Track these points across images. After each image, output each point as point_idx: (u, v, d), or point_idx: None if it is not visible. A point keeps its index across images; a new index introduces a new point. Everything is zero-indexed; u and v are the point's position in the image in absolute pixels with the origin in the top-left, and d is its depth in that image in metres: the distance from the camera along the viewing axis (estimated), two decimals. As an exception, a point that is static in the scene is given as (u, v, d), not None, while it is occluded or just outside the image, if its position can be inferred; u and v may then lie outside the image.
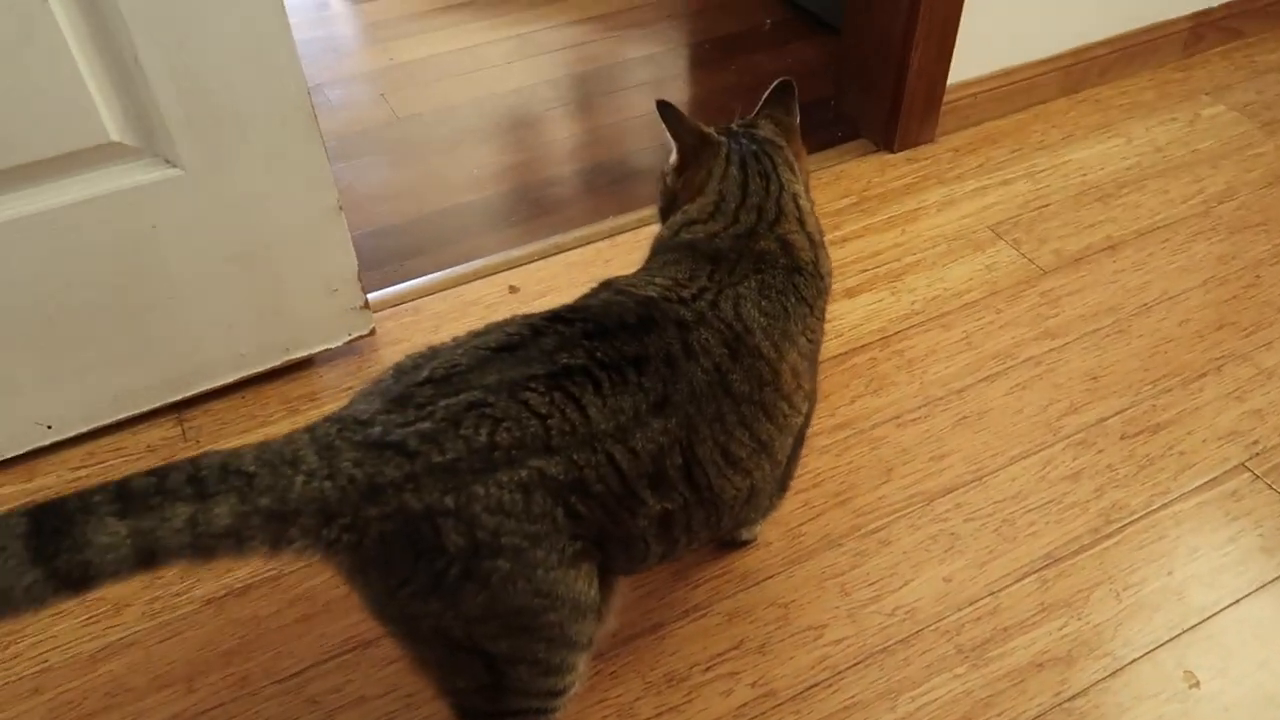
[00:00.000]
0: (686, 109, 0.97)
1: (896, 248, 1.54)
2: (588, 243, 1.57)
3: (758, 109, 1.03)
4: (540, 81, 2.01)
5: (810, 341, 0.90)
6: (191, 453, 0.67)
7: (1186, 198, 1.62)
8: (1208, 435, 1.24)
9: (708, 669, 1.03)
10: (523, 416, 0.71)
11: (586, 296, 0.86)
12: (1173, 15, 1.88)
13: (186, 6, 0.99)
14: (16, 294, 1.10)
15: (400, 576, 0.70)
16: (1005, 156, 1.72)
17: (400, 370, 0.76)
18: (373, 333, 1.38)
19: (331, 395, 1.32)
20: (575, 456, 0.72)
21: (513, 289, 1.49)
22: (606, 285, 0.87)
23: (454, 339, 0.79)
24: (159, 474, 0.64)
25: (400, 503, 0.68)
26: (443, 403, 0.71)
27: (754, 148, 0.95)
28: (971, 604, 1.07)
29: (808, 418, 0.93)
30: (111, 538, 0.61)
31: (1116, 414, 1.27)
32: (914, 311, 1.43)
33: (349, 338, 1.35)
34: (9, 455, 1.21)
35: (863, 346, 1.38)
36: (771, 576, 1.10)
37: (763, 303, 0.86)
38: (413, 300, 1.47)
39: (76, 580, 0.61)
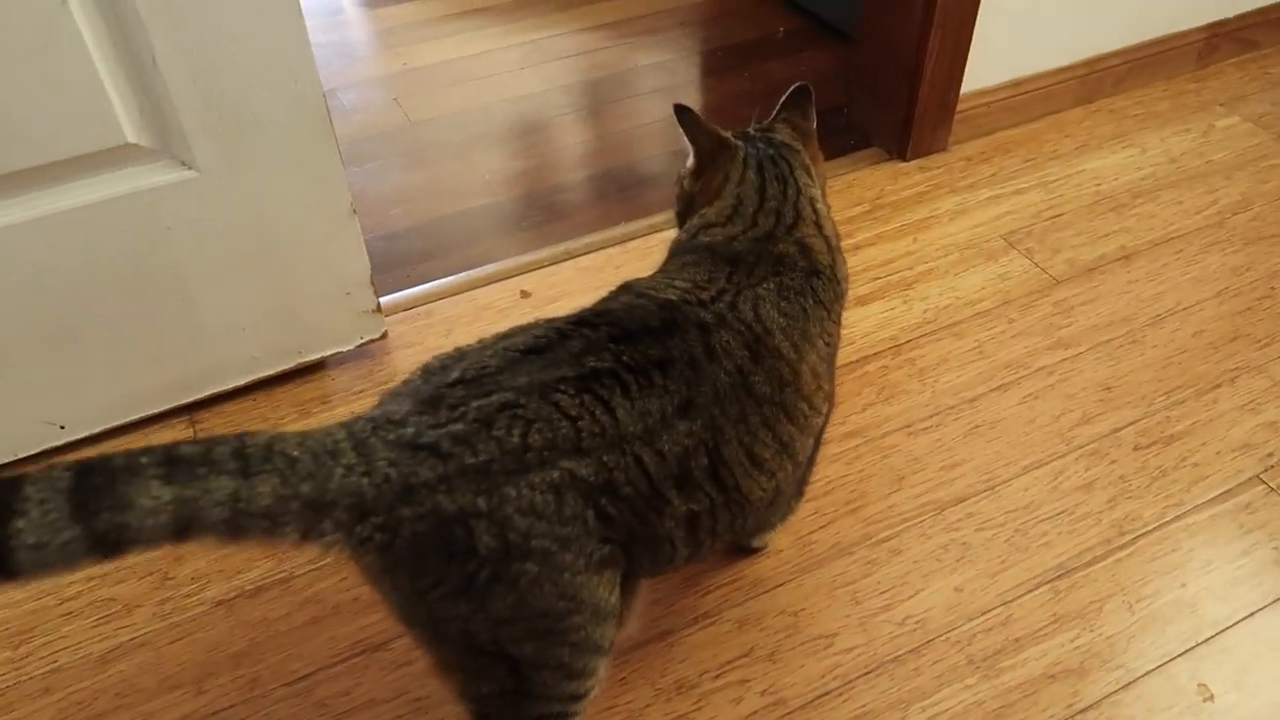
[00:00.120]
0: (697, 115, 0.97)
1: (908, 256, 1.54)
2: (599, 248, 1.57)
3: (775, 113, 1.03)
4: (553, 87, 2.02)
5: (827, 345, 0.90)
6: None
7: (1201, 209, 1.62)
8: (1222, 447, 1.24)
9: (717, 676, 1.02)
10: (554, 418, 0.71)
11: (607, 299, 0.87)
12: (1187, 26, 1.88)
13: (205, 9, 1.00)
14: (31, 294, 1.10)
15: (431, 579, 0.70)
16: (1019, 166, 1.72)
17: (428, 371, 0.77)
18: (384, 336, 1.38)
19: (343, 398, 1.32)
20: (605, 458, 0.72)
21: (524, 294, 1.49)
22: (626, 288, 0.87)
23: (479, 341, 0.79)
24: (206, 444, 0.64)
25: (434, 504, 0.68)
26: (475, 404, 0.71)
27: (771, 152, 0.96)
28: (983, 614, 1.07)
29: (826, 418, 0.93)
30: (154, 502, 0.61)
31: (1130, 425, 1.27)
32: (926, 320, 1.43)
33: (361, 341, 1.36)
34: (22, 454, 1.22)
35: (874, 354, 1.38)
36: (782, 584, 1.10)
37: (782, 304, 0.86)
38: (425, 304, 1.47)
39: (111, 543, 0.60)
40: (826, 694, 1.01)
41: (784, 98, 1.03)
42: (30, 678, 1.03)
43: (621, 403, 0.74)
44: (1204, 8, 1.88)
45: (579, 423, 0.72)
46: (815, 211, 0.95)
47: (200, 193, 1.12)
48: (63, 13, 0.95)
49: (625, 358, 0.76)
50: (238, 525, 0.64)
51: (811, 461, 0.98)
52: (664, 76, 2.05)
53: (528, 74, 2.06)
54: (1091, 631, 1.05)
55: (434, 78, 2.06)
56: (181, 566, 1.13)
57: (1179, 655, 1.03)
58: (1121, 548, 1.13)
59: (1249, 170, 1.69)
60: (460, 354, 0.78)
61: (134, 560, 1.13)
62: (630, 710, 1.00)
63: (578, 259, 1.55)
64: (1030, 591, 1.09)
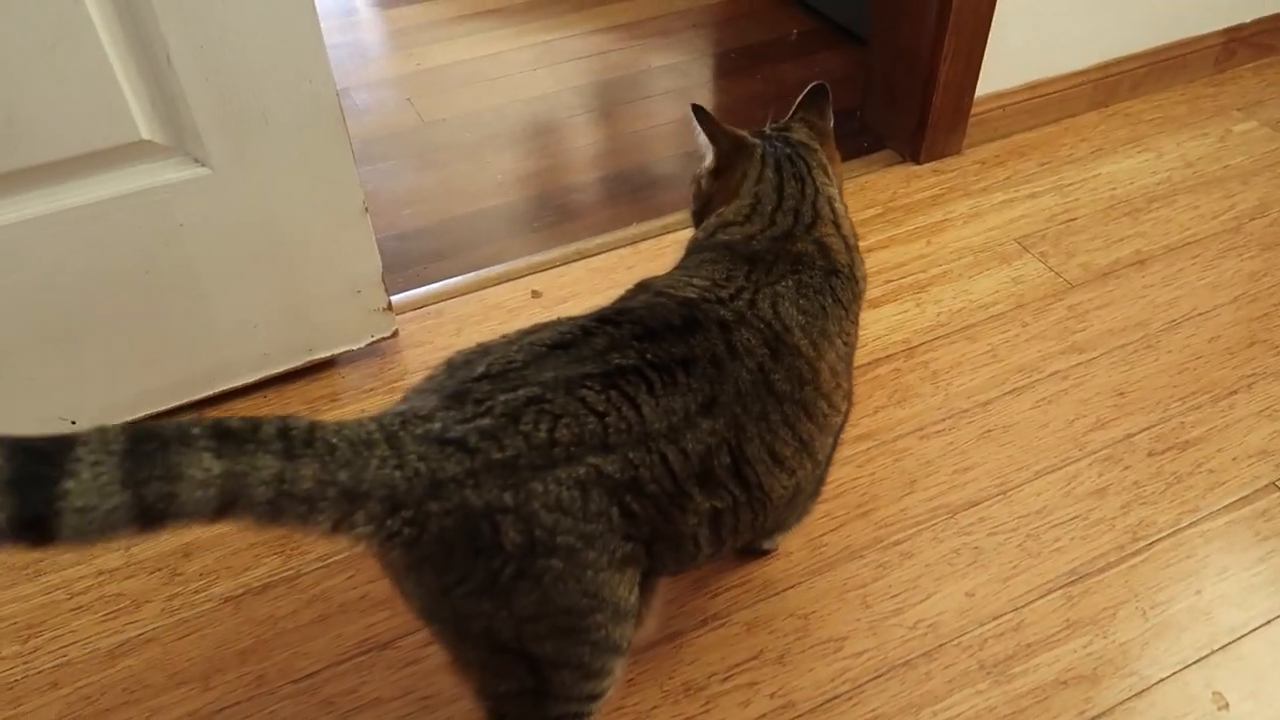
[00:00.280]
0: (713, 116, 0.97)
1: (922, 259, 1.53)
2: (611, 249, 1.57)
3: (791, 113, 1.03)
4: (565, 88, 2.02)
5: (846, 344, 0.90)
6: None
7: (1217, 214, 1.60)
8: (1238, 453, 1.22)
9: (726, 679, 1.02)
10: (581, 413, 0.71)
11: (625, 298, 0.87)
12: (1205, 30, 1.86)
13: (220, 7, 1.00)
14: (44, 290, 1.10)
15: (456, 575, 0.70)
16: (1033, 169, 1.71)
17: (453, 366, 0.76)
18: (395, 335, 1.38)
19: (353, 396, 1.32)
20: (631, 455, 0.72)
21: (535, 294, 1.49)
22: (644, 287, 0.87)
23: (503, 336, 0.79)
24: (252, 422, 0.63)
25: (461, 499, 0.67)
26: (501, 398, 0.71)
27: (788, 151, 0.95)
28: (995, 619, 1.06)
29: (845, 417, 0.93)
30: (204, 475, 0.60)
31: (1144, 430, 1.26)
32: (939, 323, 1.42)
33: (371, 339, 1.36)
34: (33, 450, 1.22)
35: (887, 357, 1.37)
36: (792, 587, 1.09)
37: (801, 302, 0.86)
38: (435, 303, 1.47)
39: (156, 515, 0.59)
40: (836, 698, 1.00)
41: (801, 97, 1.03)
42: (39, 671, 1.03)
43: (647, 400, 0.74)
44: (1221, 12, 1.86)
45: (606, 419, 0.72)
46: (833, 210, 0.94)
47: (213, 190, 1.12)
48: (77, 8, 0.95)
49: (649, 355, 0.76)
50: (278, 507, 0.63)
51: (829, 461, 0.98)
52: (676, 78, 2.05)
53: (540, 75, 2.06)
54: (1105, 638, 1.04)
55: (447, 78, 2.06)
56: (190, 563, 1.13)
57: (1193, 663, 1.02)
58: (1136, 553, 1.12)
59: (1266, 175, 1.68)
60: (485, 349, 0.77)
61: (143, 555, 1.13)
62: (638, 711, 0.99)
63: (589, 259, 1.55)
64: (1043, 597, 1.08)
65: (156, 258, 1.14)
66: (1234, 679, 1.01)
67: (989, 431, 1.26)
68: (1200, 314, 1.42)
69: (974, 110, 1.70)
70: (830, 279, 0.89)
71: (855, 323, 0.93)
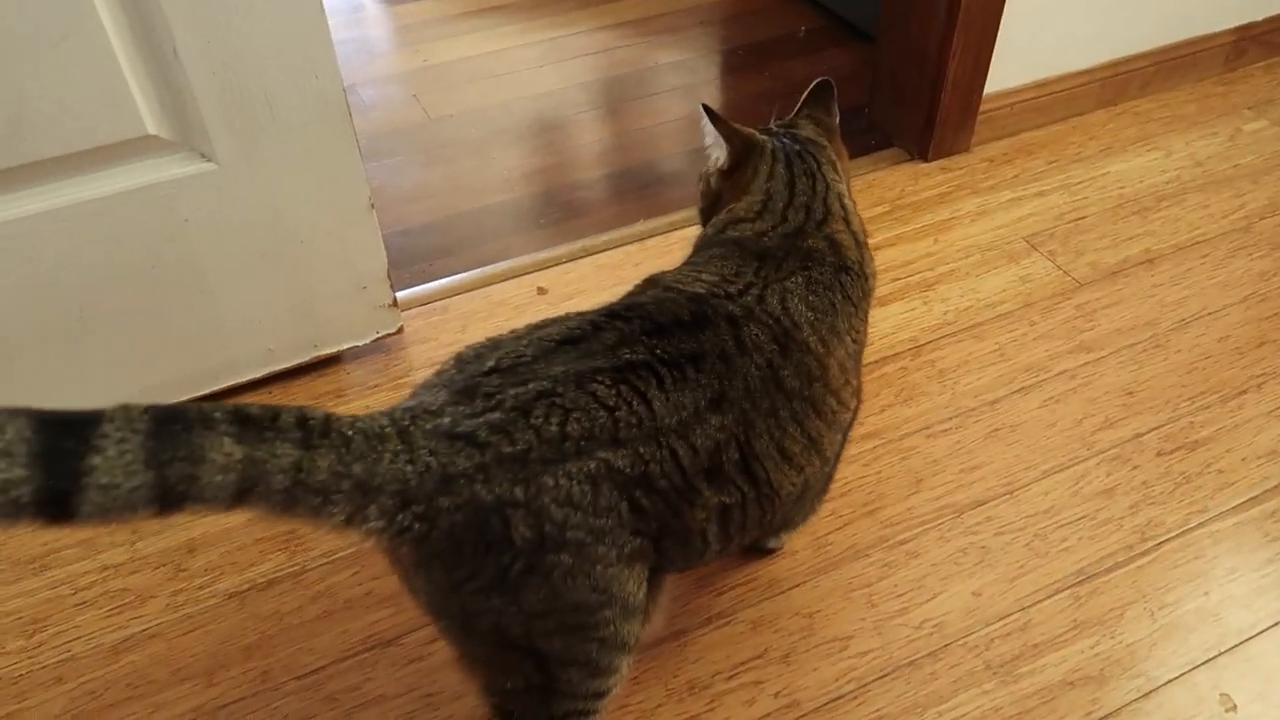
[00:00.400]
0: (720, 114, 0.96)
1: (929, 257, 1.52)
2: (617, 245, 1.56)
3: (797, 109, 1.03)
4: (571, 85, 2.01)
5: (855, 341, 0.90)
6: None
7: (1227, 213, 1.59)
8: (1247, 454, 1.22)
9: (730, 678, 1.01)
10: (591, 408, 0.71)
11: (634, 293, 0.86)
12: (1215, 29, 1.85)
13: (227, 1, 1.00)
14: (51, 284, 1.10)
15: (466, 571, 0.69)
16: (1041, 168, 1.70)
17: (462, 360, 0.76)
18: (400, 331, 1.38)
19: (358, 392, 1.32)
20: (641, 450, 0.72)
21: (541, 290, 1.48)
22: (652, 282, 0.87)
23: (512, 331, 0.79)
24: (272, 410, 0.63)
25: (471, 493, 0.67)
26: (512, 392, 0.70)
27: (797, 147, 0.95)
28: (1001, 619, 1.05)
29: (854, 414, 0.93)
30: (225, 459, 0.60)
31: (1152, 430, 1.25)
32: (946, 322, 1.41)
33: (377, 335, 1.36)
34: (38, 445, 1.22)
35: (894, 355, 1.36)
36: (797, 585, 1.09)
37: (810, 298, 0.85)
38: (441, 300, 1.47)
39: (175, 497, 0.59)
40: (841, 697, 0.99)
41: (807, 93, 1.02)
42: (43, 666, 1.03)
43: (657, 395, 0.73)
44: (1232, 11, 1.85)
45: (616, 413, 0.71)
46: (844, 207, 0.94)
47: (219, 185, 1.12)
48: (84, 2, 0.95)
49: (659, 351, 0.75)
50: (293, 497, 0.63)
51: (838, 458, 0.98)
52: (683, 75, 2.04)
53: (547, 71, 2.05)
54: (1112, 638, 1.04)
55: (453, 74, 2.06)
56: (194, 558, 1.13)
57: (1201, 664, 1.02)
58: (1144, 554, 1.11)
59: (1277, 175, 1.67)
60: (494, 343, 0.77)
61: (148, 551, 1.13)
62: (642, 710, 0.99)
63: (595, 256, 1.55)
64: (1050, 597, 1.07)
65: (162, 253, 1.14)
66: (1242, 680, 1.00)
67: (996, 430, 1.25)
68: (1209, 313, 1.41)
69: (982, 108, 1.69)
70: (840, 275, 0.89)
71: (865, 320, 0.93)
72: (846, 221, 0.93)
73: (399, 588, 0.78)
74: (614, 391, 0.72)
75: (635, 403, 0.72)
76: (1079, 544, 1.12)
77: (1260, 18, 1.88)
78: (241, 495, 0.61)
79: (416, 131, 1.89)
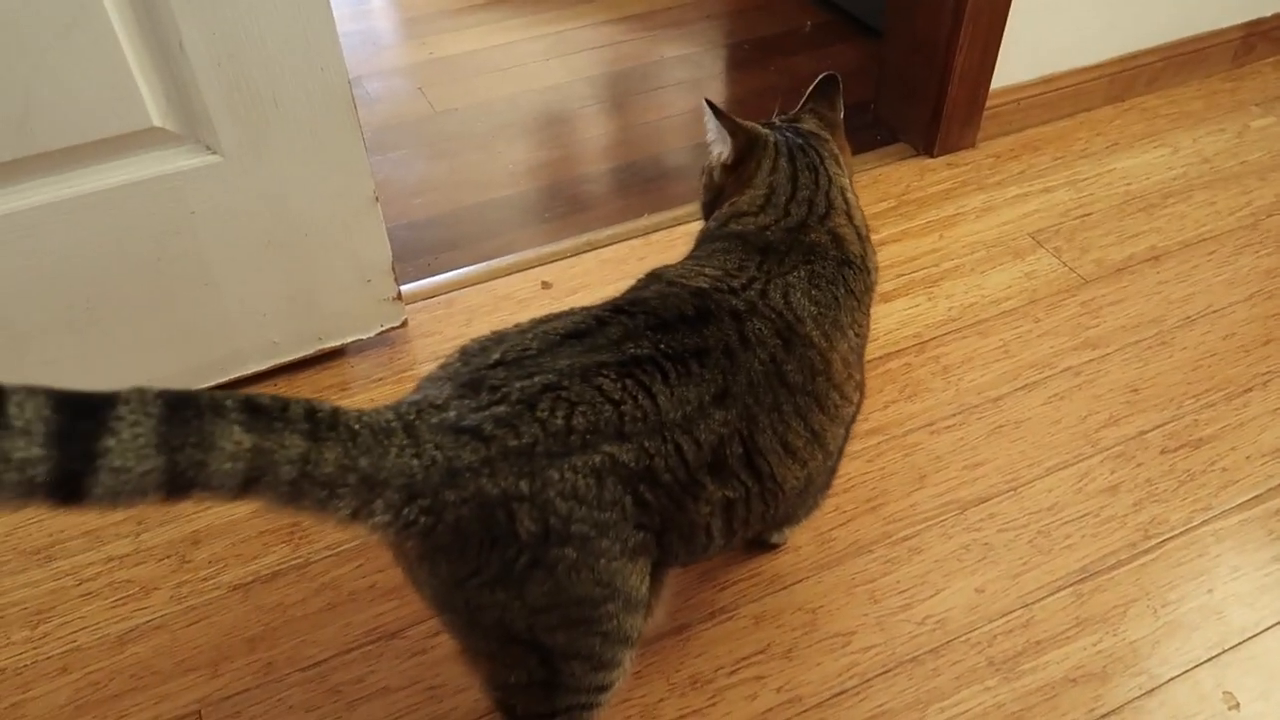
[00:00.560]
0: (724, 109, 0.96)
1: (934, 253, 1.52)
2: (621, 240, 1.56)
3: (801, 103, 1.02)
4: (576, 79, 2.01)
5: (858, 335, 0.90)
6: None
7: (1234, 210, 1.59)
8: (1252, 452, 1.21)
9: (733, 672, 1.01)
10: (597, 401, 0.71)
11: (637, 288, 0.86)
12: (1224, 25, 1.84)
13: (231, -7, 1.00)
14: (57, 275, 1.11)
15: (471, 565, 0.69)
16: (1048, 164, 1.70)
17: (467, 354, 0.76)
18: (404, 324, 1.38)
19: (362, 385, 1.32)
20: (646, 444, 0.72)
21: (545, 284, 1.48)
22: (655, 276, 0.87)
23: (517, 325, 0.79)
24: (281, 401, 0.63)
25: (477, 487, 0.67)
26: (517, 385, 0.70)
27: (800, 141, 0.95)
28: (1004, 616, 1.05)
29: (857, 408, 0.93)
30: (235, 447, 0.60)
31: (1157, 427, 1.25)
32: (951, 318, 1.41)
33: (381, 329, 1.36)
34: (44, 436, 1.22)
35: (898, 351, 1.36)
36: (800, 581, 1.09)
37: (813, 292, 0.85)
38: (445, 293, 1.47)
39: (184, 483, 0.59)
40: (843, 693, 1.00)
41: (811, 87, 1.02)
42: (48, 657, 1.04)
43: (662, 389, 0.74)
44: (1241, 6, 1.84)
45: (621, 407, 0.71)
46: (846, 201, 0.94)
47: (224, 177, 1.12)
48: (90, -6, 0.95)
49: (663, 345, 0.76)
50: (300, 489, 0.63)
51: (841, 452, 0.98)
52: (689, 69, 2.04)
53: (552, 65, 2.05)
54: (1114, 636, 1.03)
55: (459, 68, 2.05)
56: (199, 550, 1.13)
57: (1204, 662, 1.01)
58: (1147, 551, 1.11)
59: (1284, 171, 1.66)
60: (499, 337, 0.77)
61: (152, 542, 1.14)
62: (644, 704, 0.99)
63: (599, 250, 1.54)
64: (1053, 594, 1.07)
65: (168, 245, 1.14)
66: (1245, 679, 1.00)
67: (1000, 427, 1.25)
68: (1215, 311, 1.41)
69: (989, 103, 1.69)
70: (843, 269, 0.89)
71: (867, 314, 0.93)
72: (849, 216, 0.94)
73: (403, 581, 0.78)
74: (619, 385, 0.72)
75: (640, 397, 0.72)
76: (1082, 541, 1.12)
77: (1269, 13, 1.87)
78: (248, 485, 0.61)
79: (422, 125, 1.89)
